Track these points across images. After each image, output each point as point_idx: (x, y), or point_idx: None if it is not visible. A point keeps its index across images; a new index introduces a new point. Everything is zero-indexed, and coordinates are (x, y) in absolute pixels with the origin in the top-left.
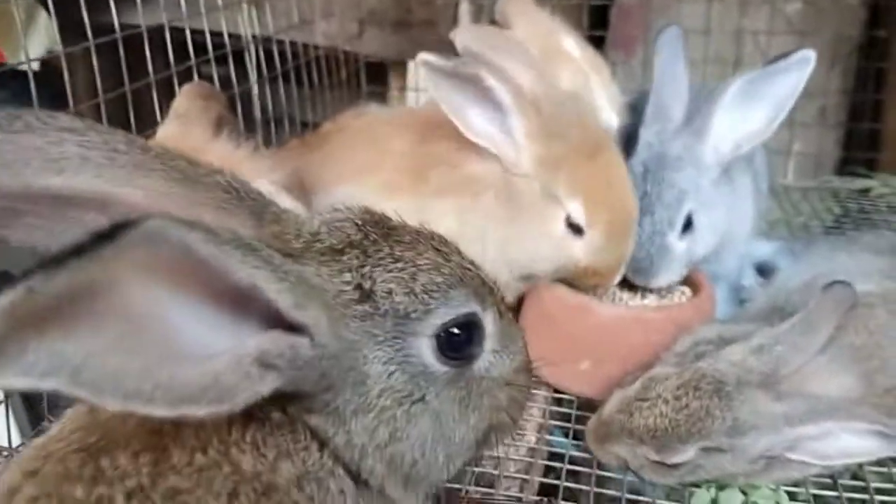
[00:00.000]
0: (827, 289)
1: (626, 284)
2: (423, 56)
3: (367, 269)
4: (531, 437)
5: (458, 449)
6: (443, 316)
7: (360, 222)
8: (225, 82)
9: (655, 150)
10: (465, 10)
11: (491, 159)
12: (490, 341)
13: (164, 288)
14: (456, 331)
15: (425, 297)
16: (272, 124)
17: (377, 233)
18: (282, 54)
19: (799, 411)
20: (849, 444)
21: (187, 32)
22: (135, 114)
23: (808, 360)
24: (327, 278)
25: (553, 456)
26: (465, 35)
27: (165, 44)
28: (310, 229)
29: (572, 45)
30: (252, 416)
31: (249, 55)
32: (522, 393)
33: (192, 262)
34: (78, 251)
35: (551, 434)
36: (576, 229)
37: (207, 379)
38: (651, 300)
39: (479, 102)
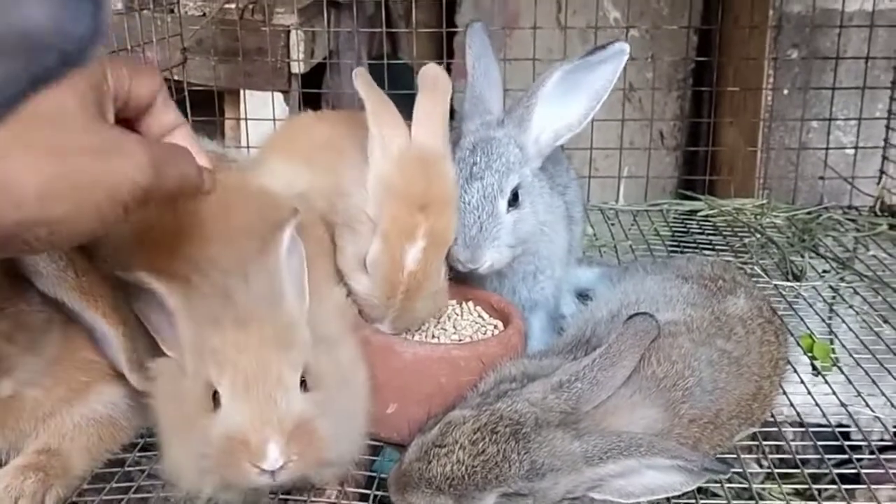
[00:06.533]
0: (628, 321)
1: (437, 322)
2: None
3: None
4: (331, 492)
5: None
6: None
7: None
8: None
9: (481, 133)
10: (296, 38)
11: None
12: None
13: None
14: None
15: None
16: None
17: None
18: None
19: (598, 449)
20: (652, 480)
21: None
22: None
23: (609, 395)
24: None
25: None
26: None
27: None
28: None
29: None
30: None
31: None
32: None
33: None
34: None
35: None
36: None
37: None
38: (462, 334)
39: None
